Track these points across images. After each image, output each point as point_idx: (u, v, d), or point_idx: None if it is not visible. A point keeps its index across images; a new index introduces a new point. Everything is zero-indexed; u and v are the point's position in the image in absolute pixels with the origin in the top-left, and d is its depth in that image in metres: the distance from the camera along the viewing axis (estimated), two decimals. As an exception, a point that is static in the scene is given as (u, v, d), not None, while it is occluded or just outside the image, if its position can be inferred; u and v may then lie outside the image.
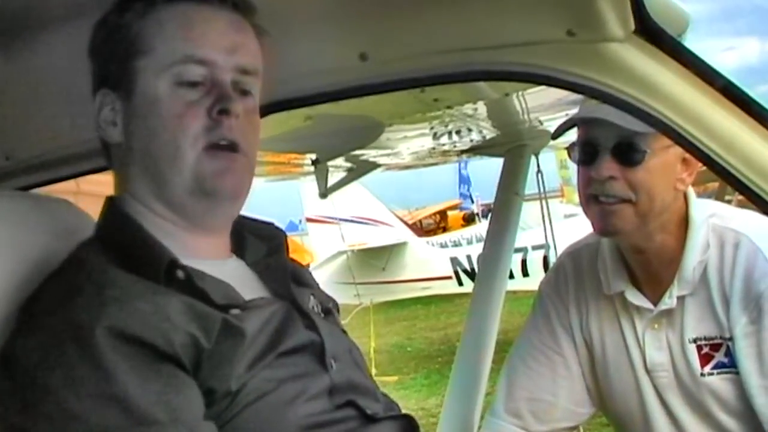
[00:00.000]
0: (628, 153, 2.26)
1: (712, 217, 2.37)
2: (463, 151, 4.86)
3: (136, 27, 1.65)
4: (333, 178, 4.54)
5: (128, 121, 1.67)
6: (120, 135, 1.69)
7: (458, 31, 1.74)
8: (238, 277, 1.70)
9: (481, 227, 18.00)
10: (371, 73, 1.86)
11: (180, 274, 1.57)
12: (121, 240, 1.64)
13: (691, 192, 2.40)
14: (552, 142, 4.10)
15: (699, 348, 2.31)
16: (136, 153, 1.67)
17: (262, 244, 1.88)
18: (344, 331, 1.90)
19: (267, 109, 1.92)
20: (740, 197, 1.65)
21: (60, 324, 1.45)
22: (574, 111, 2.75)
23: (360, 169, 4.80)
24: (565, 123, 2.48)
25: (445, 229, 26.14)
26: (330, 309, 1.87)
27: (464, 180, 32.52)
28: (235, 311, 1.57)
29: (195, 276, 1.58)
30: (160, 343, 1.44)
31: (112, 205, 1.73)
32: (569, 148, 2.42)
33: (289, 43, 1.86)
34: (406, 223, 19.92)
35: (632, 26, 1.60)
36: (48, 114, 2.03)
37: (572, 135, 2.47)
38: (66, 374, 1.40)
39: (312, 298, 1.82)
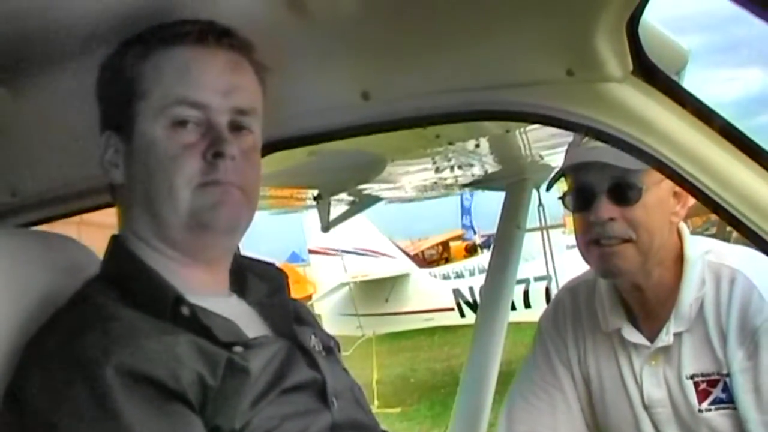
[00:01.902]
0: (624, 192, 2.28)
1: (708, 253, 2.38)
2: (465, 185, 4.89)
3: (135, 70, 1.67)
4: (335, 210, 4.56)
5: (129, 162, 1.69)
6: (122, 176, 1.71)
7: (459, 71, 1.77)
8: (240, 315, 1.71)
9: (484, 258, 18.00)
10: (373, 112, 1.88)
11: (185, 310, 1.58)
12: (126, 277, 1.66)
13: (685, 228, 2.42)
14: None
15: (696, 384, 2.31)
16: (136, 193, 1.69)
17: (263, 284, 1.88)
18: (345, 370, 1.91)
19: (270, 148, 1.95)
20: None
21: (68, 361, 1.46)
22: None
23: (362, 203, 4.82)
24: (554, 175, 2.50)
25: (447, 260, 26.11)
26: (331, 348, 1.87)
27: (467, 211, 32.44)
28: (238, 349, 1.58)
29: (200, 313, 1.59)
30: (168, 380, 1.45)
31: (116, 242, 1.74)
32: (562, 198, 2.43)
33: (292, 82, 1.88)
34: (408, 254, 19.89)
35: (630, 66, 1.62)
36: (53, 151, 2.05)
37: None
38: (73, 411, 1.41)
39: (313, 337, 1.82)
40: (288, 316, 1.82)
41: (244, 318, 1.71)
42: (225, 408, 1.50)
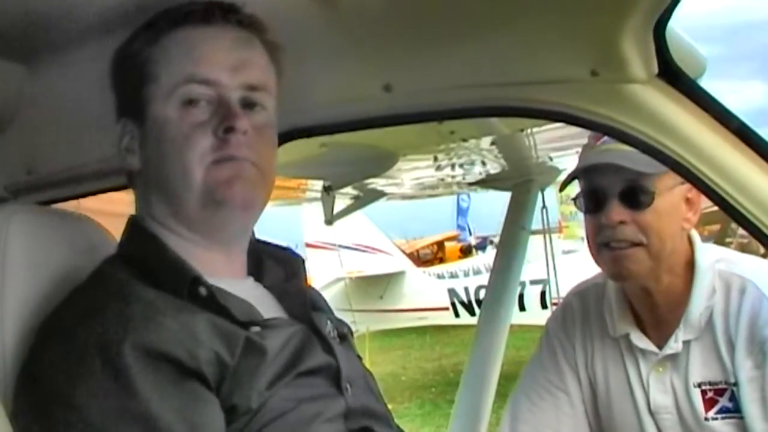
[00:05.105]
0: (636, 196, 2.28)
1: (719, 262, 2.37)
2: (471, 184, 4.90)
3: (144, 55, 1.67)
4: (338, 205, 4.57)
5: (143, 147, 1.70)
6: (138, 161, 1.71)
7: (482, 66, 1.76)
8: (256, 297, 1.71)
9: (479, 260, 18.02)
10: (394, 104, 1.88)
11: (203, 290, 1.58)
12: (144, 257, 1.66)
13: (696, 236, 2.42)
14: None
15: (703, 392, 2.31)
16: (151, 177, 1.70)
17: (280, 269, 1.88)
18: (359, 357, 1.91)
19: (290, 136, 1.95)
20: (740, 240, 1.67)
21: (85, 339, 1.46)
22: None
23: (366, 198, 4.83)
24: (568, 176, 2.50)
25: (442, 260, 26.08)
26: (345, 334, 1.86)
27: (462, 212, 32.43)
28: (256, 329, 1.58)
29: (217, 293, 1.59)
30: (185, 358, 1.45)
31: (134, 223, 1.75)
32: (574, 199, 2.43)
33: (315, 71, 1.89)
34: (404, 252, 19.88)
35: (655, 69, 1.61)
36: (70, 130, 2.05)
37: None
38: (90, 389, 1.41)
39: (329, 322, 1.82)
40: (304, 300, 1.82)
41: (260, 300, 1.72)
42: (242, 387, 1.50)
